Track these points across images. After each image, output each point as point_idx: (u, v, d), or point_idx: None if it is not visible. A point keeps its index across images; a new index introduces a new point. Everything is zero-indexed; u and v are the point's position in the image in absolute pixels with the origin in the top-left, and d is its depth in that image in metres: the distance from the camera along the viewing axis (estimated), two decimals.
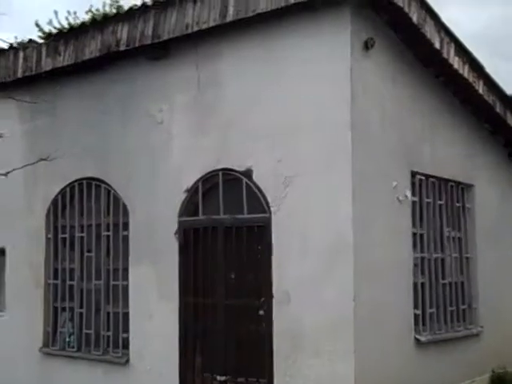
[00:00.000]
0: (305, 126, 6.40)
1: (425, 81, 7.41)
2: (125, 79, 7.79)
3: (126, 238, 7.65)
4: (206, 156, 7.04)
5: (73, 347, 7.96)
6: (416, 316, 6.91)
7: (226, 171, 6.89)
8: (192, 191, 7.14)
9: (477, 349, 7.91)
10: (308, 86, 6.40)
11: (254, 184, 6.67)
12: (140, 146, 7.60)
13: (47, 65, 8.24)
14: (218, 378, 6.72)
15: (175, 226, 7.20)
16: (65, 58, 8.06)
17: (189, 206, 7.18)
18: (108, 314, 7.72)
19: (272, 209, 6.53)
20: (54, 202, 8.31)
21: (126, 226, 7.66)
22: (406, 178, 6.89)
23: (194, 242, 7.08)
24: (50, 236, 8.32)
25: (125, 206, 7.67)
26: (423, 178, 7.25)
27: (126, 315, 7.54)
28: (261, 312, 6.52)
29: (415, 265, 7.00)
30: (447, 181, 7.73)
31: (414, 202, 7.07)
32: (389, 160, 6.65)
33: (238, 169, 6.80)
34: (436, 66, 7.41)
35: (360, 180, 6.17)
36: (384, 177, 6.55)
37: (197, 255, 7.04)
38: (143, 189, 7.52)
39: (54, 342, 8.16)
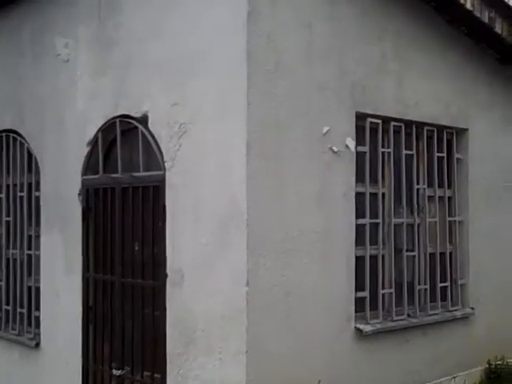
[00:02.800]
0: (203, 61, 4.95)
1: None
2: (38, 12, 6.59)
3: (38, 200, 6.54)
4: (106, 100, 5.76)
5: None
6: (360, 300, 5.39)
7: (124, 118, 5.57)
8: (93, 144, 5.89)
9: (464, 336, 6.30)
10: (209, 11, 4.92)
11: (150, 133, 5.32)
12: (50, 91, 6.41)
13: None
14: (114, 371, 5.55)
15: (79, 186, 6.01)
16: None
17: (91, 162, 5.93)
18: (23, 288, 6.71)
19: (166, 164, 5.18)
20: None
21: (38, 186, 6.55)
22: (347, 123, 5.29)
23: (95, 205, 5.85)
24: None
25: (37, 162, 6.55)
26: (379, 121, 5.60)
27: (39, 290, 6.49)
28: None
29: (359, 233, 5.44)
30: (422, 125, 6.03)
31: (361, 154, 5.48)
32: (318, 100, 5.08)
33: (134, 115, 5.47)
34: None
35: (262, 127, 4.69)
36: (307, 122, 5.00)
37: (98, 222, 5.83)
38: (52, 141, 6.37)
39: None
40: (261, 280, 4.65)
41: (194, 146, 4.97)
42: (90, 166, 5.92)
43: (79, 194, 5.98)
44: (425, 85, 5.98)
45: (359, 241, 5.43)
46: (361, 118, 5.44)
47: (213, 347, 4.76)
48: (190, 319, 4.93)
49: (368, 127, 5.50)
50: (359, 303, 5.40)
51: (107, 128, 5.73)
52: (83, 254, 5.90)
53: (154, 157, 5.30)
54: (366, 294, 5.42)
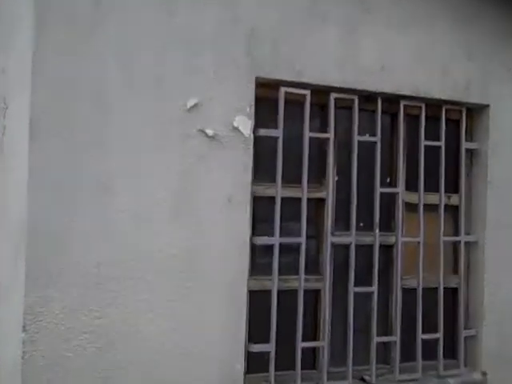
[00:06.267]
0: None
1: None
2: None
3: None
4: None
5: None
6: (258, 356, 3.64)
7: None
8: None
9: None
10: None
11: None
12: None
13: None
14: None
15: None
16: None
17: None
18: None
19: None
20: None
21: None
22: (237, 93, 3.56)
23: None
24: None
25: None
26: (305, 92, 3.77)
27: None
28: None
29: (264, 257, 3.69)
30: (397, 99, 4.07)
31: (269, 140, 3.71)
32: (181, 59, 3.43)
33: None
34: None
35: (60, 99, 3.17)
36: (159, 92, 3.38)
37: None
38: None
39: None
40: (54, 324, 3.13)
41: (10, 132, 3.58)
42: None
43: None
44: (402, 39, 4.02)
45: (263, 269, 3.69)
46: (269, 86, 3.67)
47: None
48: None
49: (282, 101, 3.70)
50: (257, 361, 3.65)
51: None
52: None
53: None
54: (269, 347, 3.64)
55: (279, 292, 3.72)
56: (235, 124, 3.53)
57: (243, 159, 3.56)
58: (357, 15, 3.87)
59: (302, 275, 3.74)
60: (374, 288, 3.93)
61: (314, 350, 3.88)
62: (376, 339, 3.94)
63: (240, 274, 3.55)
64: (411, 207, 4.17)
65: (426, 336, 4.09)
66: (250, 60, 3.58)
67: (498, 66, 4.31)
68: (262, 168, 3.75)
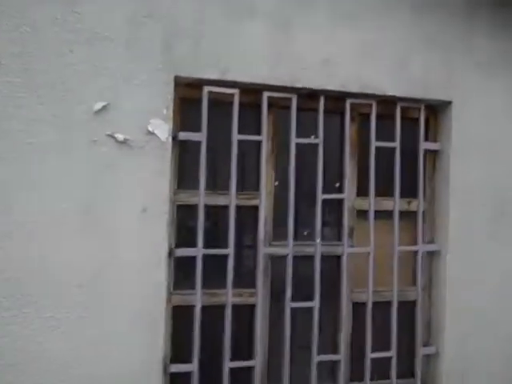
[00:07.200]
0: None
1: None
2: None
3: None
4: None
5: None
6: (180, 377, 3.39)
7: None
8: None
9: None
10: None
11: None
12: None
13: None
14: None
15: None
16: None
17: None
18: None
19: None
20: None
21: None
22: (153, 95, 3.29)
23: None
24: None
25: None
26: (233, 91, 3.48)
27: None
28: None
29: (187, 270, 3.43)
30: (342, 96, 3.72)
31: (191, 144, 3.44)
32: (83, 58, 3.18)
33: None
34: None
35: None
36: (61, 94, 3.14)
37: None
38: None
39: None
40: None
41: None
42: None
43: None
44: (347, 30, 3.66)
45: (190, 283, 3.43)
46: (191, 86, 3.40)
47: None
48: None
49: (206, 101, 3.42)
50: (180, 382, 3.40)
51: None
52: None
53: None
54: (191, 366, 3.38)
55: (208, 307, 3.47)
56: (150, 128, 3.27)
57: (160, 166, 3.29)
58: (292, 5, 3.54)
59: (230, 289, 3.46)
60: (315, 303, 3.61)
61: (249, 369, 3.59)
62: (317, 358, 3.62)
63: (157, 288, 3.29)
64: (366, 214, 3.83)
65: (377, 354, 3.75)
66: (168, 58, 3.31)
67: (460, 58, 3.90)
68: (188, 175, 3.49)
